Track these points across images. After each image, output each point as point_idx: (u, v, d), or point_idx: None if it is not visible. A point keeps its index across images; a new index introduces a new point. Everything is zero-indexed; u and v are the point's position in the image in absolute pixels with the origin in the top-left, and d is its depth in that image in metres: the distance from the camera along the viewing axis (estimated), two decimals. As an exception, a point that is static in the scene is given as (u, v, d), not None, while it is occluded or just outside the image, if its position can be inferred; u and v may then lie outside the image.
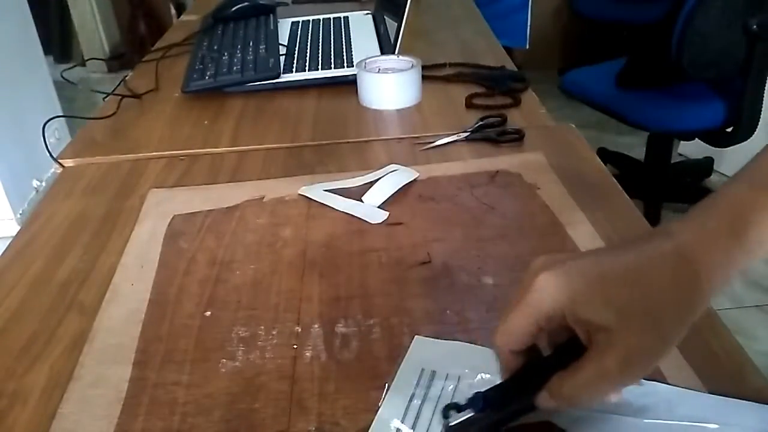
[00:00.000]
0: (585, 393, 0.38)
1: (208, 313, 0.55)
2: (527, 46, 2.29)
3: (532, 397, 0.40)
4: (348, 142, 0.85)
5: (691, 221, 0.39)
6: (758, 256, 0.38)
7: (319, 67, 1.05)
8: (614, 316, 0.36)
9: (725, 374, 0.47)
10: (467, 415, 0.41)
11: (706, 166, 2.32)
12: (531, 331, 0.38)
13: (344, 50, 1.10)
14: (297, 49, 1.14)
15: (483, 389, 0.41)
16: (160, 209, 0.71)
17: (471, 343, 0.50)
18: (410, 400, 0.46)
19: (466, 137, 0.83)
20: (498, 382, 0.42)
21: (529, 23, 2.26)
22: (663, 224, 0.40)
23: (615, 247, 0.42)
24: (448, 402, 0.43)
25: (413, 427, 0.44)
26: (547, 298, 0.37)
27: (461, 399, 0.41)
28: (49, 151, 0.85)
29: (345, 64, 1.05)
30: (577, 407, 0.41)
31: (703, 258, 0.37)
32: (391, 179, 0.72)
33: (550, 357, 0.41)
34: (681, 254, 0.37)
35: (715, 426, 0.43)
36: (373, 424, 0.44)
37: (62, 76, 1.20)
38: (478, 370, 0.47)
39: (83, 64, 3.60)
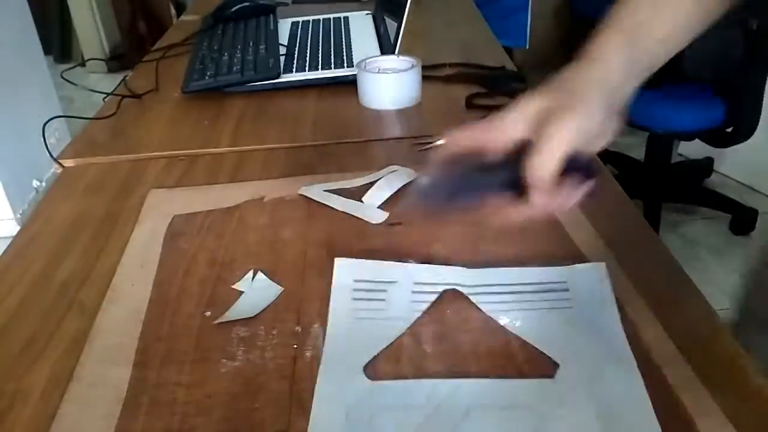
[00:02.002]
0: (555, 156, 0.44)
1: (208, 313, 0.55)
2: (527, 46, 2.29)
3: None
4: (348, 143, 0.85)
5: (595, 37, 0.52)
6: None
7: (319, 67, 1.05)
8: (559, 100, 0.46)
9: (725, 374, 0.47)
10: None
11: (706, 166, 2.32)
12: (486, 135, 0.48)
13: (344, 50, 1.10)
14: (297, 49, 1.14)
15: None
16: (160, 209, 0.71)
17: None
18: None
19: (466, 137, 0.83)
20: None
21: (529, 23, 2.26)
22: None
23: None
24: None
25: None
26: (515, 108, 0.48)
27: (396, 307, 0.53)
28: (49, 151, 0.85)
29: (345, 64, 1.05)
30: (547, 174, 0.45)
31: (604, 56, 0.50)
32: (391, 179, 0.72)
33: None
34: (591, 58, 0.49)
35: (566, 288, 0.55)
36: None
37: (62, 76, 1.20)
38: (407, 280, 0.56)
39: (83, 64, 3.60)
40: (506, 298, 0.55)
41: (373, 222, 0.66)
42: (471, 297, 0.55)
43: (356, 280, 0.57)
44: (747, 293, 0.75)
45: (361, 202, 0.70)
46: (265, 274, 0.59)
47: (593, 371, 0.47)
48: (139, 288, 0.59)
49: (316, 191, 0.71)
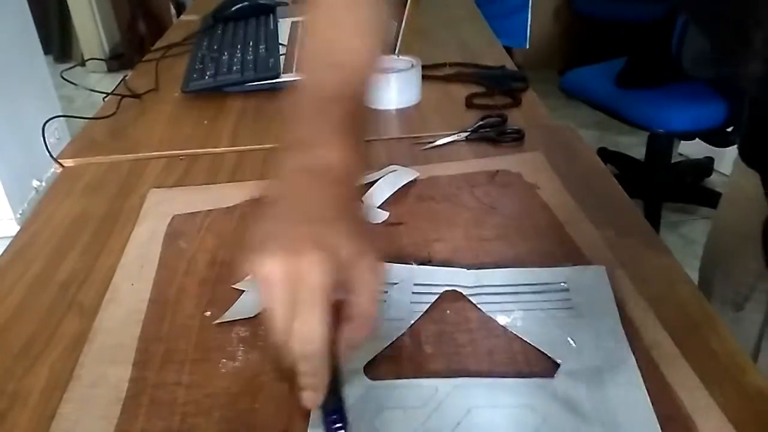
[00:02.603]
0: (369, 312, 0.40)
1: (208, 313, 0.55)
2: (527, 46, 2.29)
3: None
4: (348, 142, 0.85)
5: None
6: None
7: (319, 67, 1.05)
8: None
9: (725, 374, 0.47)
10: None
11: (706, 166, 2.32)
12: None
13: (344, 50, 1.10)
14: (297, 49, 1.13)
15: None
16: (160, 209, 0.71)
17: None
18: None
19: (466, 137, 0.83)
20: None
21: (529, 23, 2.26)
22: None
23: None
24: None
25: None
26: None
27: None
28: (49, 151, 0.84)
29: (345, 64, 1.04)
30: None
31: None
32: (391, 179, 0.72)
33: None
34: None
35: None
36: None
37: (62, 76, 1.19)
38: None
39: (83, 64, 3.60)
40: (506, 298, 0.55)
41: (373, 222, 0.66)
42: (471, 298, 0.55)
43: None
44: (706, 276, 0.76)
45: (361, 202, 0.69)
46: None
47: (594, 371, 0.47)
48: (139, 288, 0.59)
49: (316, 191, 0.71)
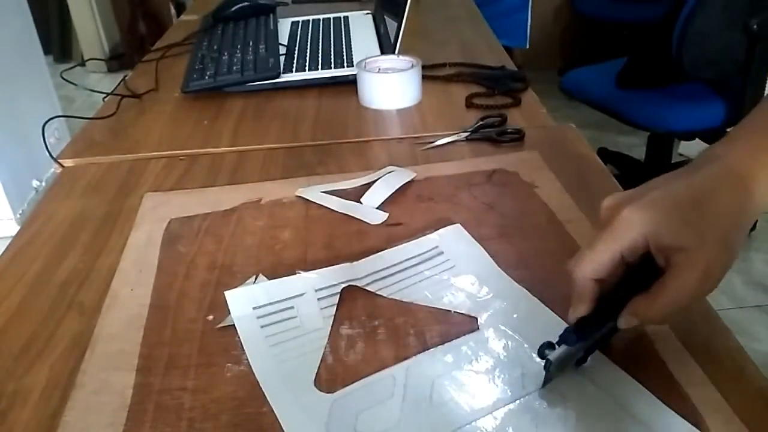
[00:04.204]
0: (669, 309, 0.42)
1: (210, 317, 0.55)
2: (527, 46, 2.29)
3: (614, 322, 0.44)
4: (348, 142, 0.85)
5: (734, 142, 0.45)
6: None
7: (319, 67, 1.05)
8: (693, 237, 0.40)
9: (726, 374, 0.47)
10: (561, 350, 0.44)
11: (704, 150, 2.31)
12: (617, 259, 0.43)
13: (344, 50, 1.10)
14: (297, 49, 1.14)
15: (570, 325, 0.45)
16: (156, 213, 0.70)
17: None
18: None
19: (466, 137, 0.83)
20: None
21: (529, 23, 2.26)
22: (706, 150, 0.46)
23: (672, 178, 0.44)
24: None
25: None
26: (634, 228, 0.42)
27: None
28: (48, 151, 0.84)
29: (345, 64, 1.05)
30: (658, 322, 0.47)
31: (753, 174, 0.42)
32: (389, 180, 0.72)
33: (622, 282, 0.44)
34: (735, 174, 0.42)
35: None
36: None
37: (62, 76, 1.19)
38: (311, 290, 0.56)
39: (83, 64, 3.60)
40: (398, 277, 0.58)
41: (373, 223, 0.66)
42: (368, 287, 0.56)
43: (255, 308, 0.54)
44: None
45: (360, 203, 0.69)
46: (266, 278, 0.59)
47: (502, 311, 0.54)
48: (139, 293, 0.58)
49: (314, 193, 0.71)
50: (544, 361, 0.44)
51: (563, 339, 0.44)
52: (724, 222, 0.41)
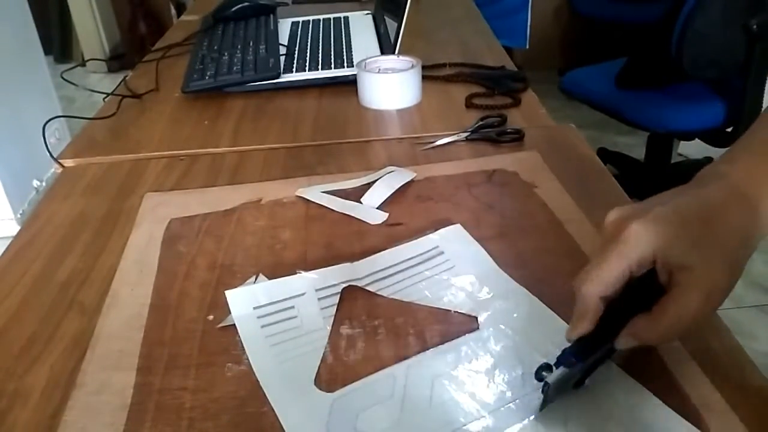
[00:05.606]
0: (671, 332, 0.42)
1: (210, 317, 0.55)
2: (527, 46, 2.29)
3: (612, 342, 0.43)
4: (348, 142, 0.85)
5: (737, 161, 0.45)
6: None
7: (319, 67, 1.05)
8: (700, 258, 0.40)
9: (725, 374, 0.47)
10: (560, 372, 0.42)
11: (706, 166, 2.31)
12: (624, 276, 0.41)
13: (344, 50, 1.10)
14: (297, 49, 1.14)
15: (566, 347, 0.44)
16: (156, 213, 0.70)
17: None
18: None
19: (466, 137, 0.83)
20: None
21: (529, 23, 2.26)
22: (709, 167, 0.46)
23: (678, 193, 0.44)
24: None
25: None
26: (644, 244, 0.40)
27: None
28: (49, 151, 0.85)
29: (345, 64, 1.05)
30: (657, 344, 0.46)
31: (758, 193, 0.42)
32: (389, 180, 0.72)
33: (620, 300, 0.43)
34: (740, 193, 0.42)
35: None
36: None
37: (62, 77, 1.20)
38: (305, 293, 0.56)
39: (83, 64, 3.60)
40: (398, 277, 0.58)
41: (373, 223, 0.66)
42: (368, 287, 0.56)
43: (256, 307, 0.54)
44: None
45: (360, 203, 0.70)
46: (266, 277, 0.59)
47: (503, 311, 0.54)
48: (139, 293, 0.58)
49: (314, 193, 0.71)
50: (542, 384, 0.42)
51: (561, 360, 0.42)
52: (733, 241, 0.41)
